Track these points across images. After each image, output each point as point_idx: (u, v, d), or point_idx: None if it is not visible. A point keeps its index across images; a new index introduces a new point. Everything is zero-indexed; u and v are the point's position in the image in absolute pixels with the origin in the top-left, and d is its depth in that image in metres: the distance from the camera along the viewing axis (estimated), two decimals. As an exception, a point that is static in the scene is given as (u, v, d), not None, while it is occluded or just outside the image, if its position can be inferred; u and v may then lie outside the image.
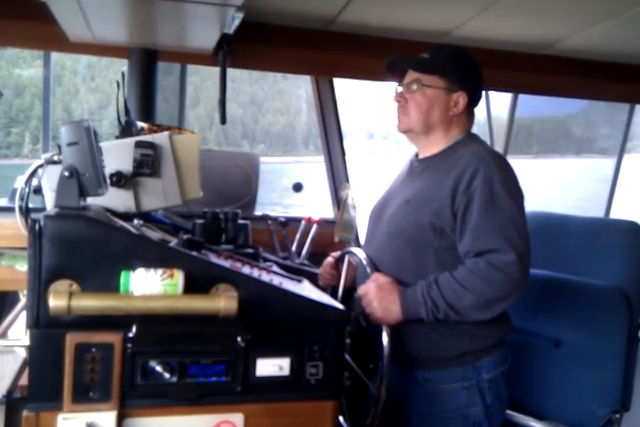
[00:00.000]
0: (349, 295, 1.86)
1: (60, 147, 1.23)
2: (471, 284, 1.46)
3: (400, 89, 1.72)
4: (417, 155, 1.78)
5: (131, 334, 1.10)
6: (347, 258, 1.80)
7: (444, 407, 1.58)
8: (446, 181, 1.56)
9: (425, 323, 1.52)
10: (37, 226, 1.10)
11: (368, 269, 1.62)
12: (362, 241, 1.87)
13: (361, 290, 1.59)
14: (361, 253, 1.70)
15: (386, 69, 1.76)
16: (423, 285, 1.51)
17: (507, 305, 1.51)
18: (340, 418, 1.60)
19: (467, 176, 1.52)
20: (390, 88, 1.78)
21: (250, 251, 1.77)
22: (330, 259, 1.90)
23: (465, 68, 1.69)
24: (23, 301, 1.61)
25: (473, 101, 1.71)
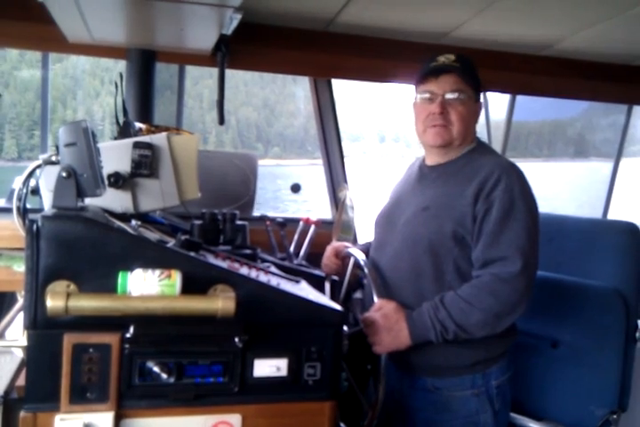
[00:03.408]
0: (348, 296, 1.87)
1: (57, 147, 1.23)
2: (477, 299, 1.46)
3: (432, 97, 1.62)
4: (423, 160, 1.77)
5: (128, 335, 1.10)
6: (352, 260, 1.80)
7: (454, 415, 1.58)
8: (468, 189, 1.55)
9: (426, 306, 1.52)
10: (35, 226, 1.10)
11: (374, 294, 1.59)
12: (370, 246, 1.86)
13: (366, 319, 1.55)
14: (360, 256, 1.70)
15: (427, 74, 1.63)
16: (429, 307, 1.50)
17: (513, 319, 1.51)
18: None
19: (489, 185, 1.53)
20: (394, 90, 1.77)
21: (248, 252, 1.76)
22: (332, 246, 1.90)
23: (477, 77, 1.68)
24: (21, 301, 1.61)
25: None
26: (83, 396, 1.11)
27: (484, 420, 1.58)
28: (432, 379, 1.59)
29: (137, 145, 1.59)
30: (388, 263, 1.67)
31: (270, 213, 2.58)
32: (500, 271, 1.46)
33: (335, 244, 1.93)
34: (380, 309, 1.54)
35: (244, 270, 1.35)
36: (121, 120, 1.84)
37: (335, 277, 1.89)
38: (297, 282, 1.52)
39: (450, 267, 1.56)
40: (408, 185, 1.79)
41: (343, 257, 1.86)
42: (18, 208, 1.37)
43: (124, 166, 1.57)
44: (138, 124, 1.85)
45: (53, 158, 1.26)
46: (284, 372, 1.22)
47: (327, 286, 1.87)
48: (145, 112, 2.40)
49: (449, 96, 1.60)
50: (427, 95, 1.63)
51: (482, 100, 1.72)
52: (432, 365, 1.58)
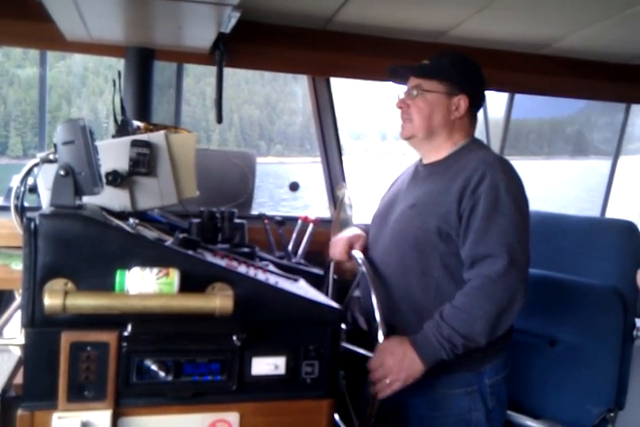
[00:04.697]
0: (345, 294, 1.86)
1: (55, 145, 1.23)
2: (476, 306, 1.46)
3: (402, 96, 1.72)
4: (421, 160, 1.78)
5: (126, 333, 1.10)
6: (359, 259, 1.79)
7: (446, 412, 1.59)
8: (453, 185, 1.56)
9: (429, 327, 1.52)
10: (32, 225, 1.10)
11: (377, 314, 1.55)
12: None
13: (373, 364, 1.52)
14: (362, 259, 1.69)
15: (389, 77, 1.77)
16: (431, 327, 1.49)
17: (514, 315, 1.50)
18: (336, 416, 1.60)
19: (473, 181, 1.53)
20: (393, 89, 1.78)
21: (246, 250, 1.77)
22: (348, 236, 1.81)
23: (465, 71, 1.69)
24: (18, 300, 1.61)
25: (474, 104, 1.70)
26: (80, 394, 1.11)
27: (477, 418, 1.58)
28: (425, 376, 1.59)
29: (135, 143, 1.59)
30: (379, 260, 1.68)
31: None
32: (489, 272, 1.46)
33: (349, 235, 1.82)
34: (384, 350, 1.52)
35: (242, 269, 1.35)
36: (119, 118, 1.84)
37: (335, 276, 1.89)
38: (295, 280, 1.52)
39: (437, 262, 1.57)
40: (403, 184, 1.81)
41: (352, 256, 1.83)
42: (15, 206, 1.37)
43: (122, 165, 1.57)
44: (136, 123, 1.85)
45: (51, 157, 1.26)
46: (281, 370, 1.22)
47: (331, 269, 1.84)
48: (143, 110, 2.40)
49: (409, 93, 1.69)
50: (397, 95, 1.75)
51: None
52: None
